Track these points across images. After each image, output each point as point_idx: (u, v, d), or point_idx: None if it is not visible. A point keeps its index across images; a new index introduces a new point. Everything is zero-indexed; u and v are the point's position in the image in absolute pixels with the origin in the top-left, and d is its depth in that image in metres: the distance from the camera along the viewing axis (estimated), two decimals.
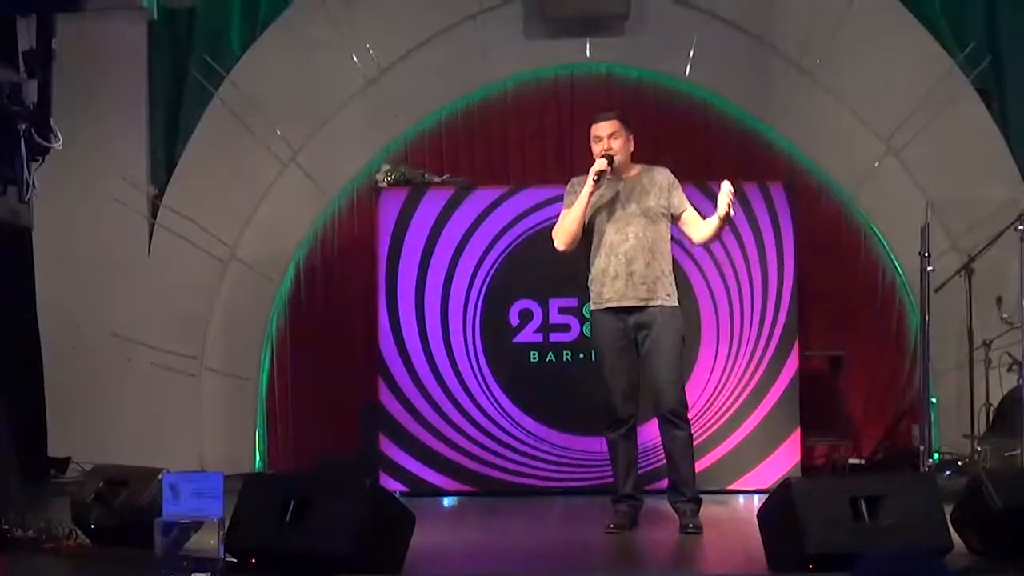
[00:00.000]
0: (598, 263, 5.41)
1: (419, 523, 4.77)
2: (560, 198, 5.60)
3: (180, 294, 7.59)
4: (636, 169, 5.51)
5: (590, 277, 5.46)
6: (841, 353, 7.22)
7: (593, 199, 5.39)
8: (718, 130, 7.56)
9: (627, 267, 5.33)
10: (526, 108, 7.59)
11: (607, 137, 5.42)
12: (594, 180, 5.32)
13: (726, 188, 5.20)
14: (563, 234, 5.46)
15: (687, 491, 5.38)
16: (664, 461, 5.51)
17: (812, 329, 7.34)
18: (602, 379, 5.44)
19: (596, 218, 5.42)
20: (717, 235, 5.39)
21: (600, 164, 5.35)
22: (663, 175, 5.49)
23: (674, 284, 5.42)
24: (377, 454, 6.72)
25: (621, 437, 5.42)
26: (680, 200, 5.47)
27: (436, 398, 6.73)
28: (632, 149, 5.50)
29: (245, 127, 7.56)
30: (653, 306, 5.33)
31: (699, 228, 5.41)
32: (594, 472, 6.21)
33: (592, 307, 5.48)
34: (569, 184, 5.56)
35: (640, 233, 5.35)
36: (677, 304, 5.42)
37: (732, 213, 5.24)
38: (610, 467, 5.53)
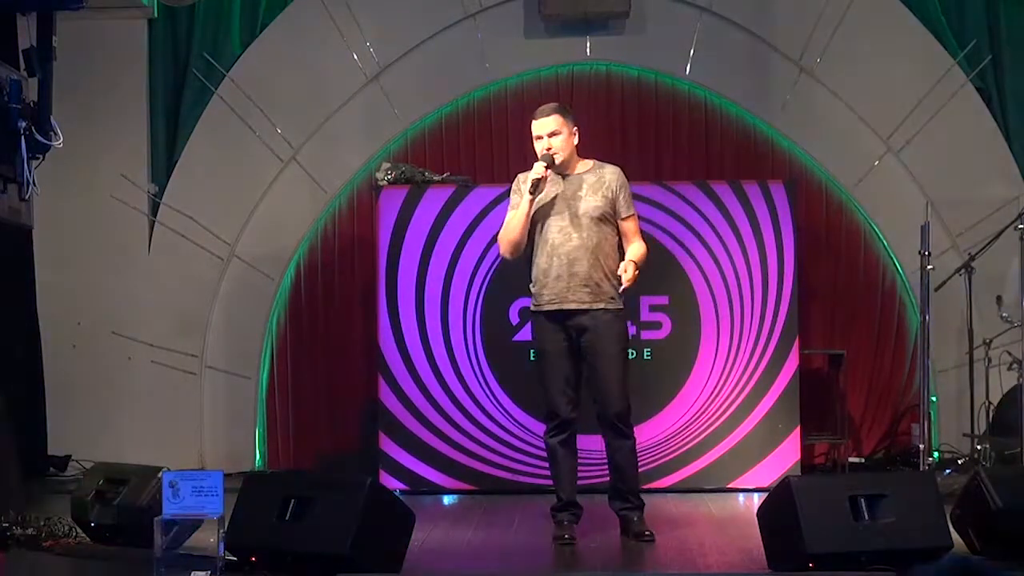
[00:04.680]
0: (539, 263, 5.20)
1: (419, 521, 4.78)
2: None
3: (180, 292, 7.59)
4: (586, 165, 5.31)
5: (532, 277, 5.28)
6: (841, 352, 7.22)
7: (538, 197, 5.19)
8: (718, 129, 7.56)
9: (569, 268, 5.14)
10: (526, 106, 7.53)
11: (547, 135, 5.19)
12: (531, 189, 5.12)
13: (628, 275, 5.06)
14: (506, 243, 5.26)
15: (633, 498, 5.29)
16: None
17: (812, 328, 7.34)
18: (542, 382, 5.28)
19: (539, 217, 5.19)
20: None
21: (538, 171, 5.12)
22: (613, 175, 5.26)
23: (618, 287, 5.20)
24: (377, 452, 6.73)
25: (562, 444, 5.28)
26: (625, 205, 5.24)
27: (436, 396, 6.73)
28: (576, 143, 5.29)
29: (245, 125, 7.56)
30: (596, 309, 5.16)
31: (627, 248, 5.26)
32: (594, 471, 6.19)
33: (533, 308, 5.29)
34: (514, 182, 5.32)
35: (584, 234, 5.15)
36: (622, 307, 5.26)
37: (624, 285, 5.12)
38: (550, 472, 5.42)
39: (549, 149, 5.19)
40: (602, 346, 5.18)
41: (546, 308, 5.22)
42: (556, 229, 5.19)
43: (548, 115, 5.24)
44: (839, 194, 7.50)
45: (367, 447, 6.92)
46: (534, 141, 5.28)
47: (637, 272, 5.11)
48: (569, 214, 5.19)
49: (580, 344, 5.21)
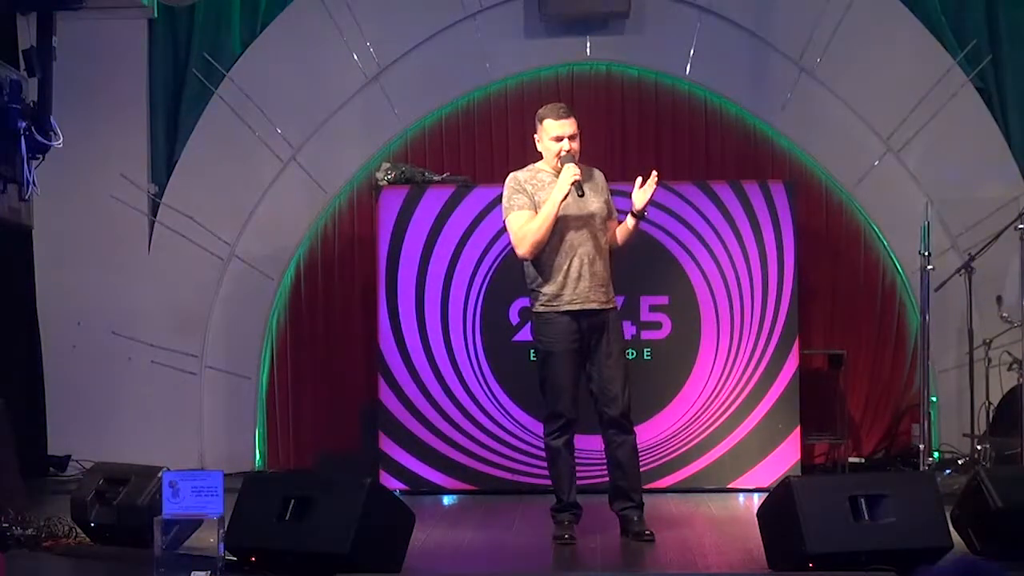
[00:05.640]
0: (556, 263, 5.17)
1: (419, 522, 4.78)
2: None
3: (180, 292, 7.59)
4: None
5: (543, 277, 5.22)
6: (841, 352, 7.22)
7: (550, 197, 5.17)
8: (718, 129, 7.56)
9: (591, 268, 5.17)
10: (526, 106, 7.56)
11: (569, 138, 5.19)
12: (579, 193, 5.09)
13: (652, 179, 5.18)
14: (533, 244, 5.16)
15: (635, 496, 5.29)
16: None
17: (812, 328, 7.34)
18: (550, 383, 5.24)
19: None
20: (632, 237, 5.35)
21: (575, 172, 5.09)
22: (601, 177, 5.37)
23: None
24: (377, 452, 6.73)
25: (564, 445, 5.27)
26: (612, 203, 5.42)
27: (436, 396, 6.73)
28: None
29: (245, 125, 7.56)
30: (608, 309, 5.23)
31: (619, 232, 5.36)
32: (594, 471, 6.21)
33: (543, 308, 5.22)
34: (512, 181, 5.29)
35: (597, 234, 5.22)
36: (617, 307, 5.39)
37: (647, 213, 5.25)
38: (550, 474, 5.39)
39: (571, 151, 5.19)
40: (610, 345, 5.23)
41: (566, 308, 5.19)
42: (572, 230, 5.20)
43: (568, 117, 5.24)
44: (839, 194, 7.50)
45: (367, 447, 6.91)
46: (550, 139, 5.23)
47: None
48: (583, 215, 5.21)
49: (589, 343, 5.22)
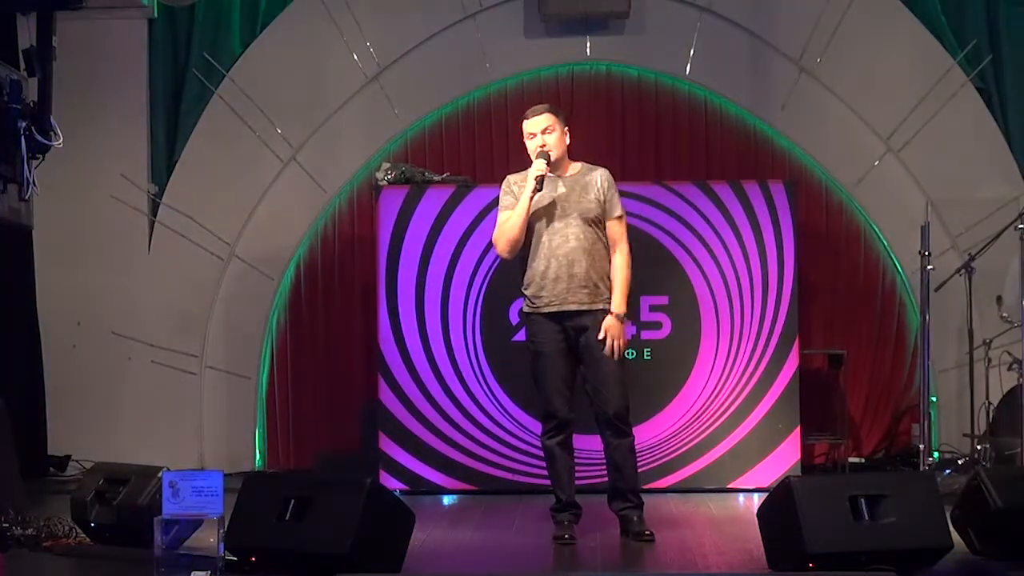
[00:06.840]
0: (536, 265, 5.20)
1: (419, 521, 4.77)
2: None
3: (180, 292, 7.60)
4: (576, 167, 5.32)
5: (526, 279, 5.27)
6: (841, 352, 7.22)
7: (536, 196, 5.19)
8: (718, 129, 7.57)
9: (569, 270, 5.16)
10: (526, 106, 7.47)
11: (540, 133, 5.23)
12: (536, 187, 5.11)
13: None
14: (504, 242, 5.23)
15: (633, 497, 5.28)
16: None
17: (812, 328, 7.35)
18: (540, 383, 5.27)
19: (534, 219, 5.19)
20: None
21: (540, 168, 5.14)
22: (603, 175, 5.29)
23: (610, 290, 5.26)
24: (377, 452, 6.73)
25: (559, 445, 5.28)
26: (613, 205, 5.26)
27: (436, 396, 6.73)
28: (568, 143, 5.32)
29: (245, 125, 7.56)
30: (595, 309, 5.18)
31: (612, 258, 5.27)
32: (594, 471, 6.21)
33: (528, 310, 5.29)
34: (504, 183, 5.33)
35: (580, 235, 5.17)
36: None
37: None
38: (548, 473, 5.38)
39: (543, 146, 5.21)
40: (602, 347, 5.18)
41: (545, 310, 5.22)
42: (552, 231, 5.20)
43: (540, 113, 5.28)
44: (839, 194, 7.51)
45: (367, 447, 6.91)
46: (527, 140, 5.29)
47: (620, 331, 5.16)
48: (565, 216, 5.20)
49: (578, 344, 5.22)
